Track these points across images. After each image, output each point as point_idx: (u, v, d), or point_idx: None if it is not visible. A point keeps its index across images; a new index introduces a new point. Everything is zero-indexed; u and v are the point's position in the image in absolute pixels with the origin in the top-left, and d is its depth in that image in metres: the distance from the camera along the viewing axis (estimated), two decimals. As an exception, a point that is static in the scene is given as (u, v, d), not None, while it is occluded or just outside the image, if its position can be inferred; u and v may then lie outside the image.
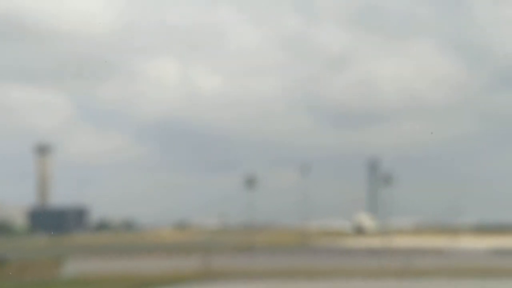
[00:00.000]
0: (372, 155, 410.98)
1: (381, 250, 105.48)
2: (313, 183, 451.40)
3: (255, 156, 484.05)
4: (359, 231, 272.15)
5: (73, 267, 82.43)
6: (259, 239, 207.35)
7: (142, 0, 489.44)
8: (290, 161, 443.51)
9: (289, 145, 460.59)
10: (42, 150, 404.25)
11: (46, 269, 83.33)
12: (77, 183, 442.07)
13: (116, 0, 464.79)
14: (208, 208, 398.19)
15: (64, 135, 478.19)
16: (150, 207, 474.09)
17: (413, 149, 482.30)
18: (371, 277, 76.93)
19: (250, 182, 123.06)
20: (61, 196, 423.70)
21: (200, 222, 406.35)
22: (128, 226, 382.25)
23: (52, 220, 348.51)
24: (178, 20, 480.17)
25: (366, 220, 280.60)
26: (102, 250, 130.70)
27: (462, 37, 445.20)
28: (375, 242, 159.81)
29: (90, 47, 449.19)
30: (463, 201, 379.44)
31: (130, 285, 67.67)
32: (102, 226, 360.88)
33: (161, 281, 71.83)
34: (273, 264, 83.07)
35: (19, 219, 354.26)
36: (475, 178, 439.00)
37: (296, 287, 68.98)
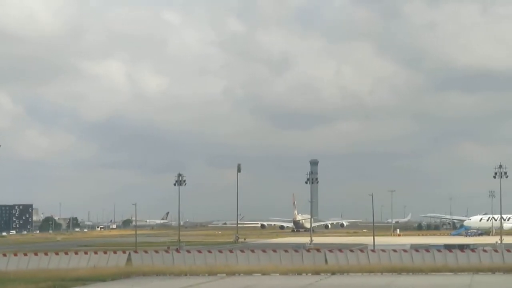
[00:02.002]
0: (313, 155, 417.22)
1: (308, 247, 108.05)
2: (258, 183, 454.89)
3: (199, 156, 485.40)
4: (298, 229, 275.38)
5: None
6: (195, 238, 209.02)
7: (87, 4, 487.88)
8: (233, 161, 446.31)
9: (233, 145, 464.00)
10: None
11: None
12: (23, 182, 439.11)
13: (62, 3, 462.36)
14: (154, 207, 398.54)
15: (11, 135, 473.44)
16: (96, 205, 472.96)
17: (352, 149, 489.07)
18: (290, 273, 79.40)
19: (180, 182, 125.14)
20: (7, 194, 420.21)
21: (145, 220, 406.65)
22: (74, 224, 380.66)
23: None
24: (123, 23, 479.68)
25: (304, 218, 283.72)
26: (35, 247, 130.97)
27: (398, 41, 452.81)
28: (309, 239, 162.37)
29: (36, 49, 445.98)
30: (402, 200, 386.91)
31: (47, 283, 68.74)
32: (47, 224, 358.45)
33: (80, 278, 73.25)
34: (197, 262, 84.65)
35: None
36: (412, 177, 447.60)
37: (210, 284, 71.01)
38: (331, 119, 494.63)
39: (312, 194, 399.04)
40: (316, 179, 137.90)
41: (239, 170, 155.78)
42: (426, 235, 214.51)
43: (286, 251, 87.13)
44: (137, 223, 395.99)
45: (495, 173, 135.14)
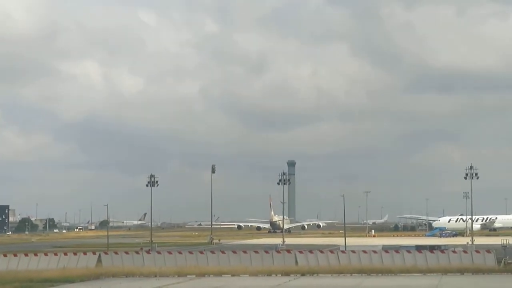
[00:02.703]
0: (291, 156, 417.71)
1: (280, 248, 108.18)
2: (236, 184, 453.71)
3: (177, 156, 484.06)
4: (275, 230, 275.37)
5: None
6: (170, 239, 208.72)
7: (63, 3, 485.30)
8: (211, 161, 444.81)
9: (211, 146, 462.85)
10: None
11: None
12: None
13: (38, 3, 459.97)
14: (132, 208, 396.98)
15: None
16: (73, 206, 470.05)
17: (330, 149, 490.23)
18: (260, 274, 79.72)
19: (152, 183, 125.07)
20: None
21: (122, 221, 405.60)
22: (51, 225, 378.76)
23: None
24: (99, 23, 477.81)
25: (281, 219, 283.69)
26: (7, 249, 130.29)
27: (375, 42, 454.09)
28: (286, 240, 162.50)
29: (12, 48, 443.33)
30: (380, 201, 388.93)
31: (14, 284, 68.56)
32: (24, 225, 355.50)
33: (49, 280, 73.09)
34: (167, 264, 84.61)
35: None
36: (390, 177, 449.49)
37: (179, 286, 71.10)
38: (309, 120, 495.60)
39: (289, 195, 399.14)
40: (288, 180, 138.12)
41: (213, 171, 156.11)
42: (401, 236, 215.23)
43: (256, 252, 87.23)
44: (115, 224, 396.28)
45: (466, 174, 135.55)
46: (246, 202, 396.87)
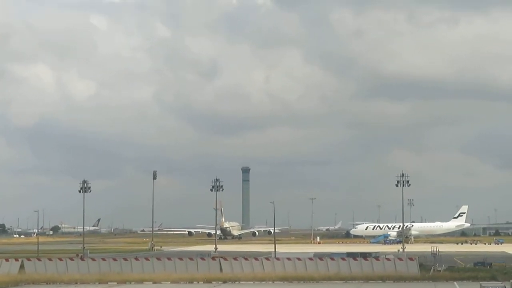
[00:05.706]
0: (244, 163, 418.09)
1: (213, 255, 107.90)
2: (188, 189, 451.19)
3: (130, 161, 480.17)
4: (225, 236, 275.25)
5: None
6: (115, 245, 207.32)
7: (14, 6, 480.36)
8: (164, 167, 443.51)
9: (164, 151, 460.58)
10: None
11: None
12: None
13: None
14: (86, 214, 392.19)
15: None
16: (25, 210, 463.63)
17: (284, 156, 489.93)
18: (182, 282, 79.69)
19: (85, 189, 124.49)
20: None
21: (73, 227, 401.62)
22: (1, 230, 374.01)
23: None
24: (50, 26, 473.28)
25: (232, 225, 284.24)
26: None
27: (326, 48, 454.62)
28: (233, 247, 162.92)
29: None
30: (335, 207, 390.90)
31: None
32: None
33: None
34: (91, 271, 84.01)
35: None
36: (344, 184, 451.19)
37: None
38: (262, 126, 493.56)
39: (243, 200, 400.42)
40: (221, 186, 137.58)
41: (154, 177, 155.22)
42: (346, 243, 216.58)
43: (181, 259, 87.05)
44: (66, 230, 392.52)
45: (397, 182, 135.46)
46: (198, 207, 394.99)
